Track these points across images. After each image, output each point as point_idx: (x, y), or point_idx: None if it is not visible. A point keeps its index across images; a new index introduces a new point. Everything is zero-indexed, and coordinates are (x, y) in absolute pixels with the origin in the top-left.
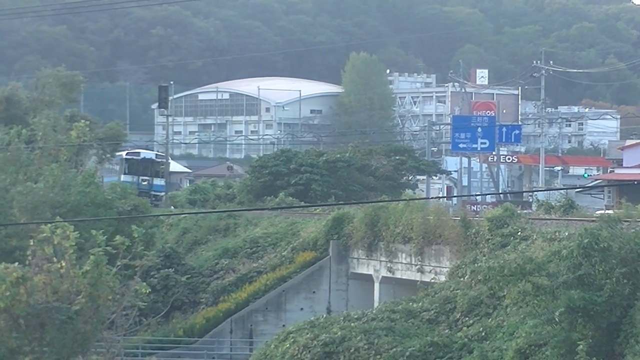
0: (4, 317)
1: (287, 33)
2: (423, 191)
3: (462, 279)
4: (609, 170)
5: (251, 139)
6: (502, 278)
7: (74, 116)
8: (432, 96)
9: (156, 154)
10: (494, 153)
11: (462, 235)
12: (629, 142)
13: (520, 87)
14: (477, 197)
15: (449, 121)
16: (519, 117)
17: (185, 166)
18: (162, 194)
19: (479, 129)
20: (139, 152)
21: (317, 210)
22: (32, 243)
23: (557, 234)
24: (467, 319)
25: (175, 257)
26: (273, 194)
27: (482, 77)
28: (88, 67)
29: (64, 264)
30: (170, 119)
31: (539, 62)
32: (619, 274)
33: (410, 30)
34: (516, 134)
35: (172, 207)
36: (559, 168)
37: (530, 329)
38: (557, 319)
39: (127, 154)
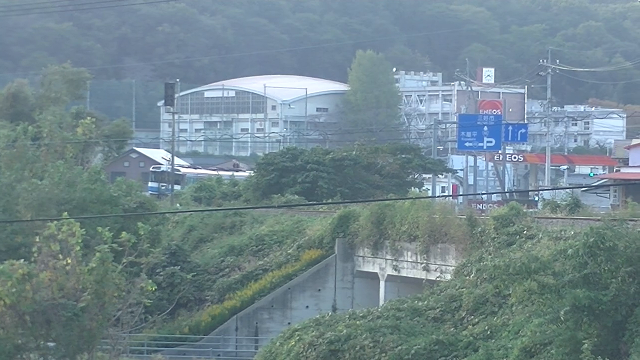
0: (10, 313)
1: (293, 31)
2: (429, 190)
3: (467, 277)
4: (615, 170)
5: (257, 137)
6: (508, 277)
7: (80, 113)
8: (438, 95)
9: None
10: (500, 152)
11: (468, 234)
12: (635, 141)
13: (526, 86)
14: (483, 196)
15: (455, 120)
16: (525, 116)
17: (191, 163)
18: None
19: (485, 128)
20: (160, 166)
21: (323, 208)
22: (37, 240)
23: (562, 232)
24: (472, 317)
25: (181, 254)
26: (279, 192)
27: (489, 75)
28: (94, 64)
29: (69, 261)
30: (176, 116)
31: (545, 60)
32: (625, 273)
33: (416, 28)
34: (522, 132)
35: (178, 205)
36: (565, 167)
37: (535, 328)
38: (562, 318)
39: (152, 168)
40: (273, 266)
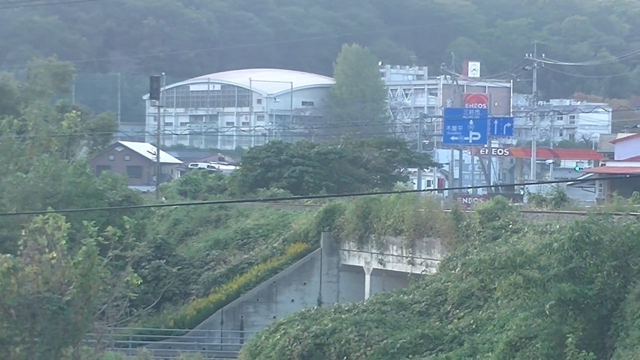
0: None
1: (279, 24)
2: (414, 184)
3: (453, 271)
4: (600, 164)
5: (243, 131)
6: (493, 270)
7: (66, 106)
8: (424, 88)
9: (207, 165)
10: (485, 146)
11: (454, 228)
12: (620, 136)
13: (512, 80)
14: (469, 190)
15: (441, 114)
16: (511, 110)
17: (176, 157)
18: None
19: (471, 122)
20: (197, 164)
21: (309, 202)
22: (23, 233)
23: (548, 227)
24: (457, 311)
25: (167, 248)
26: (265, 186)
27: (474, 69)
28: (80, 57)
29: (55, 255)
30: (161, 109)
31: (531, 55)
32: (610, 267)
33: (402, 22)
34: (508, 126)
35: (164, 198)
36: (551, 161)
37: (520, 322)
38: (547, 312)
39: (190, 165)
40: (258, 260)
